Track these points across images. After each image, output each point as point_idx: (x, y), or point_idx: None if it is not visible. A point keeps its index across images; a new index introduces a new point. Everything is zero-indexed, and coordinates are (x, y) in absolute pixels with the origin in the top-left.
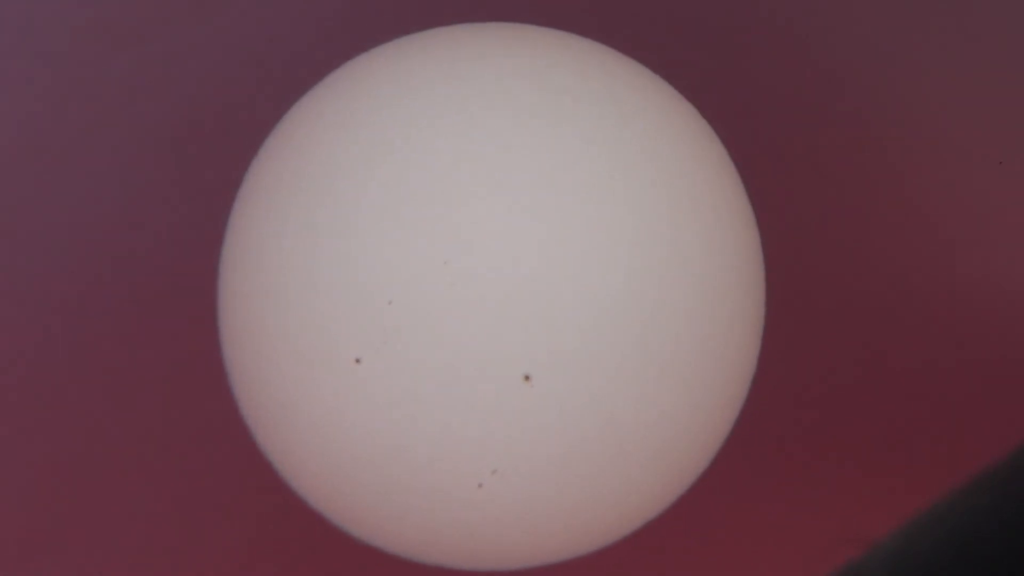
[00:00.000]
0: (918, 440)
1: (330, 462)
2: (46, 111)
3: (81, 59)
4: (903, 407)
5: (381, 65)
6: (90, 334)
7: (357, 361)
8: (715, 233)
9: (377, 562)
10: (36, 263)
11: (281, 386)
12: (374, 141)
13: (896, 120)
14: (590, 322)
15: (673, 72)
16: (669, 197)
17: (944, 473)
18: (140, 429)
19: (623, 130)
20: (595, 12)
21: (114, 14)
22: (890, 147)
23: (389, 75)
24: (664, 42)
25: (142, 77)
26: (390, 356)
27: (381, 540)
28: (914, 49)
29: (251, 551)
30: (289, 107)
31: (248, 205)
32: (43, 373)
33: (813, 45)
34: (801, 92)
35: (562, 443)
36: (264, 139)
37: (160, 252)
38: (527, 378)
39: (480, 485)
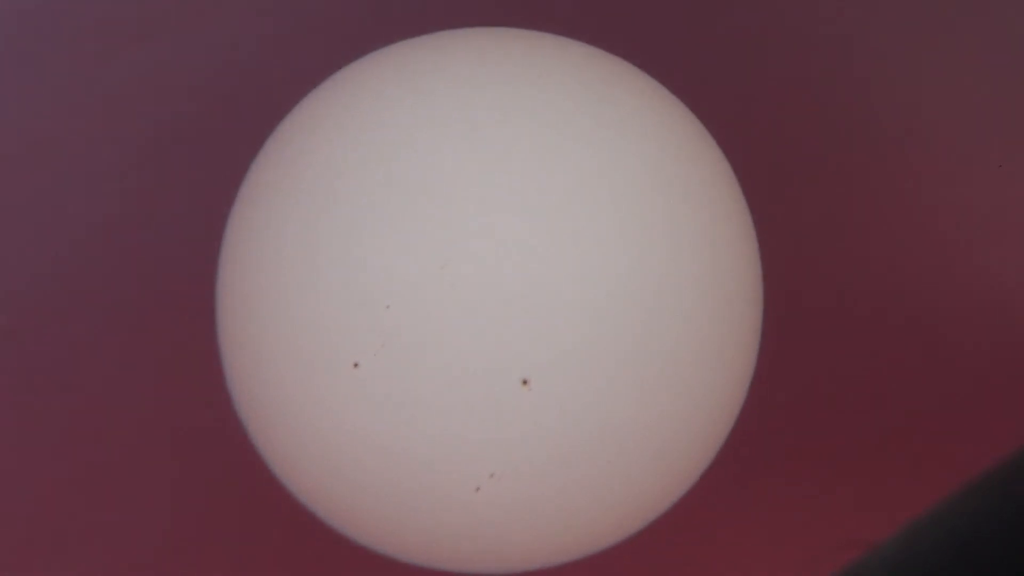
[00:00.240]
0: (918, 442)
1: (328, 465)
2: (46, 112)
3: (82, 60)
4: (903, 409)
5: (379, 70)
6: (89, 335)
7: (355, 365)
8: (712, 236)
9: (375, 565)
10: (35, 265)
11: (279, 390)
12: (371, 146)
13: (894, 121)
14: (588, 325)
15: (670, 76)
16: (666, 201)
17: (944, 475)
18: (138, 432)
19: (620, 135)
20: (592, 17)
21: (116, 15)
22: (888, 148)
23: (387, 80)
24: (661, 46)
25: (143, 78)
26: (388, 360)
27: (379, 543)
28: (913, 50)
29: (249, 554)
30: (288, 111)
31: (247, 208)
32: (41, 375)
33: (811, 47)
34: (798, 94)
35: (560, 446)
36: (263, 142)
37: (158, 254)
38: (525, 382)
39: (478, 488)
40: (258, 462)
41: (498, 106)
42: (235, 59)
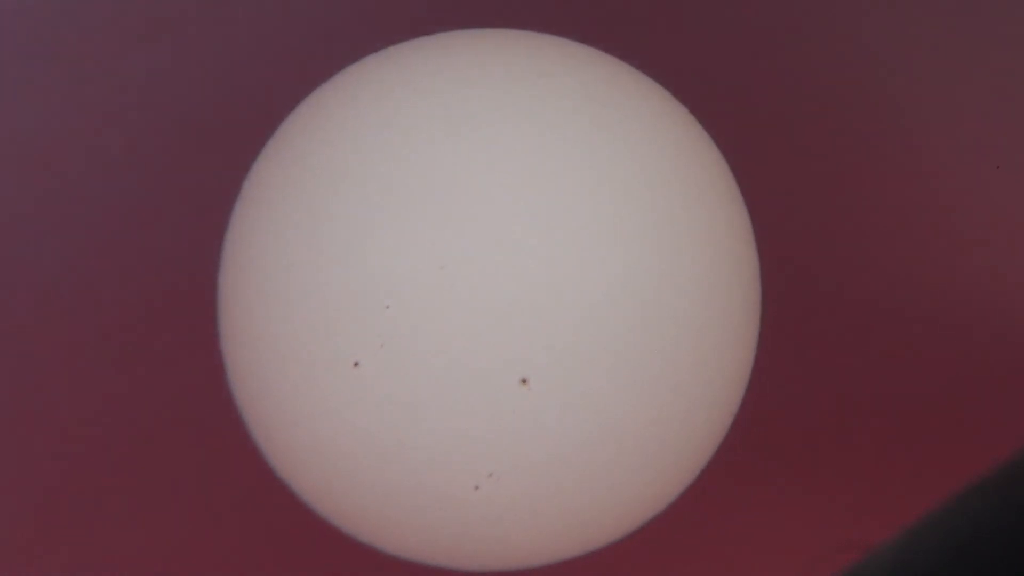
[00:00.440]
0: (917, 444)
1: (328, 464)
2: (49, 113)
3: (85, 62)
4: (902, 410)
5: (379, 71)
6: (90, 336)
7: (355, 365)
8: (711, 236)
9: (375, 563)
10: (36, 266)
11: (280, 389)
12: (372, 147)
13: (894, 122)
14: (586, 325)
15: (669, 77)
16: (665, 202)
17: (944, 478)
18: (139, 431)
19: (619, 136)
20: (593, 18)
21: (119, 16)
22: (888, 150)
23: (387, 81)
24: (660, 48)
25: (144, 79)
26: (388, 360)
27: (379, 541)
28: (913, 51)
29: (250, 552)
30: (288, 112)
31: (247, 209)
32: (42, 376)
33: (812, 49)
34: (798, 96)
35: (559, 445)
36: (264, 143)
37: (159, 255)
38: (524, 381)
39: (477, 487)
40: (259, 460)
41: (497, 107)
42: (237, 60)
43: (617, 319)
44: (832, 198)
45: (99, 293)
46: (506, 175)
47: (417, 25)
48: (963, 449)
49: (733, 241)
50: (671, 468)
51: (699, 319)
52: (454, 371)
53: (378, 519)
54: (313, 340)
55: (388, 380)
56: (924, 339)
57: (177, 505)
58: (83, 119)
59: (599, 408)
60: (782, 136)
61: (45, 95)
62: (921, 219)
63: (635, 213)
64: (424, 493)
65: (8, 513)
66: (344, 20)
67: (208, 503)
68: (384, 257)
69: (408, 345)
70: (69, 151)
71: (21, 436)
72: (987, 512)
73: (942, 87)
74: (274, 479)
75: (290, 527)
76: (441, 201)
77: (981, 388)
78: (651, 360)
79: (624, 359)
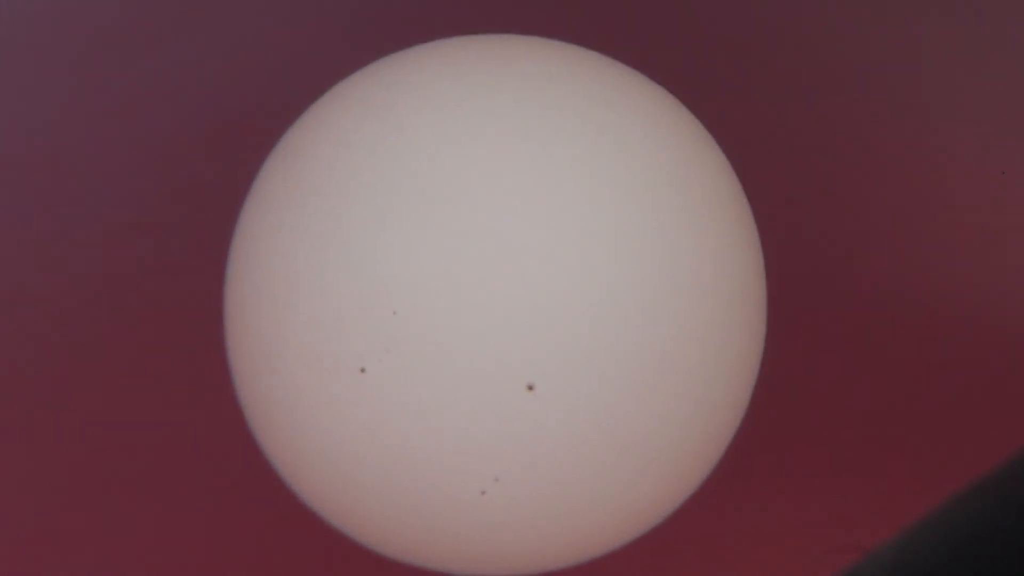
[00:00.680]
0: (916, 445)
1: (334, 469)
2: (56, 117)
3: (93, 66)
4: (902, 412)
5: (385, 77)
6: (96, 339)
7: (362, 371)
8: (716, 239)
9: (381, 568)
10: (43, 269)
11: (286, 394)
12: (378, 152)
13: (899, 123)
14: (593, 331)
15: (675, 82)
16: (671, 206)
17: (943, 479)
18: (145, 435)
19: (625, 141)
20: (599, 24)
21: (127, 19)
22: (893, 151)
23: (394, 86)
24: (666, 53)
25: (151, 83)
26: (394, 365)
27: (385, 546)
28: (917, 53)
29: (255, 556)
30: (295, 118)
31: (254, 214)
32: (49, 378)
33: (815, 52)
34: (803, 101)
35: (564, 451)
36: (271, 148)
37: (167, 261)
38: (530, 387)
39: (483, 492)
40: (265, 465)
41: (502, 113)
42: (244, 64)
43: (623, 324)
44: (836, 200)
45: (106, 298)
46: (511, 181)
47: (424, 31)
48: (963, 449)
49: (738, 245)
50: (677, 473)
51: (704, 323)
52: (460, 377)
53: (384, 524)
54: (319, 346)
55: (394, 386)
56: (924, 340)
57: (183, 509)
58: (90, 123)
59: (605, 413)
60: (786, 139)
61: (51, 99)
62: (924, 220)
63: (640, 218)
64: (430, 498)
65: (14, 514)
66: (351, 26)
67: (214, 508)
68: (390, 263)
69: (414, 351)
70: (77, 155)
71: (26, 438)
72: (987, 512)
73: (948, 90)
74: (280, 484)
75: (296, 532)
76: (447, 207)
77: (981, 388)
78: (657, 365)
79: (630, 364)
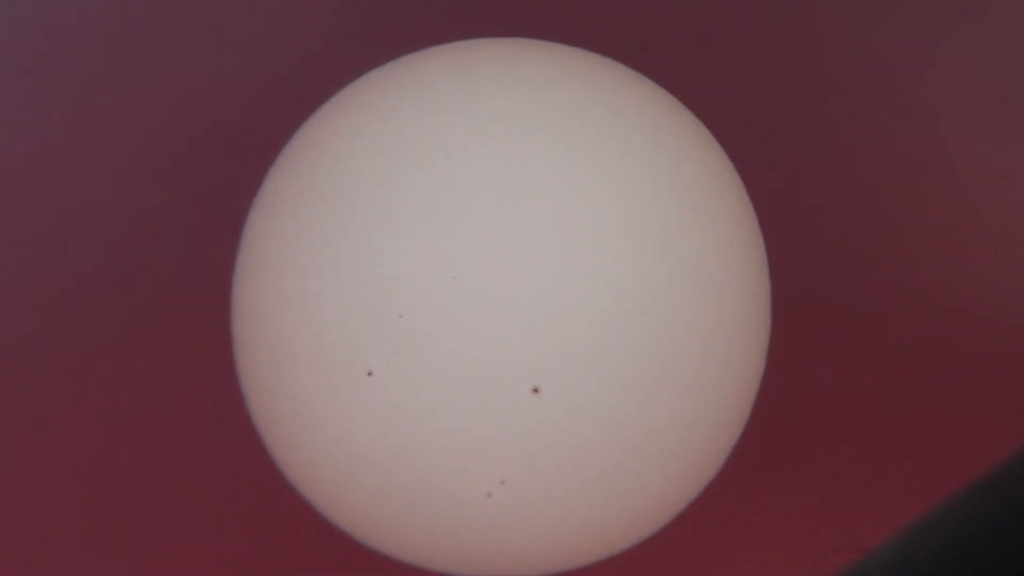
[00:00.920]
0: (917, 445)
1: (341, 471)
2: (64, 119)
3: (102, 69)
4: (903, 412)
5: (393, 81)
6: (105, 341)
7: (369, 373)
8: (719, 241)
9: (388, 570)
10: (51, 272)
11: (293, 397)
12: (385, 156)
13: (904, 125)
14: (598, 334)
15: (677, 83)
16: (676, 209)
17: (942, 479)
18: (153, 437)
19: (628, 143)
20: (603, 27)
21: (135, 23)
22: (897, 152)
23: (401, 90)
24: (669, 55)
25: (158, 87)
26: (401, 369)
27: (391, 548)
28: (921, 55)
29: (261, 557)
30: (302, 122)
31: (262, 218)
32: (55, 382)
33: (818, 55)
34: (806, 102)
35: (570, 453)
36: (278, 152)
37: (175, 263)
38: (535, 390)
39: (489, 495)
40: (272, 467)
41: (507, 116)
42: (250, 69)
43: (627, 327)
44: (840, 203)
45: (114, 300)
46: (517, 185)
47: (429, 35)
48: (963, 449)
49: (741, 246)
50: (682, 475)
51: (708, 325)
52: (466, 379)
53: (391, 526)
54: (327, 349)
55: (401, 389)
56: (924, 341)
57: (189, 511)
58: (98, 126)
59: (610, 415)
60: (788, 141)
61: (58, 101)
62: (926, 222)
63: (645, 221)
64: (436, 500)
65: (19, 514)
66: (358, 30)
67: (221, 509)
68: (397, 267)
69: (421, 354)
70: (84, 159)
71: (32, 441)
72: (986, 512)
73: (951, 92)
74: (287, 486)
75: (303, 533)
76: (453, 211)
77: (981, 388)
78: (661, 367)
79: (635, 367)
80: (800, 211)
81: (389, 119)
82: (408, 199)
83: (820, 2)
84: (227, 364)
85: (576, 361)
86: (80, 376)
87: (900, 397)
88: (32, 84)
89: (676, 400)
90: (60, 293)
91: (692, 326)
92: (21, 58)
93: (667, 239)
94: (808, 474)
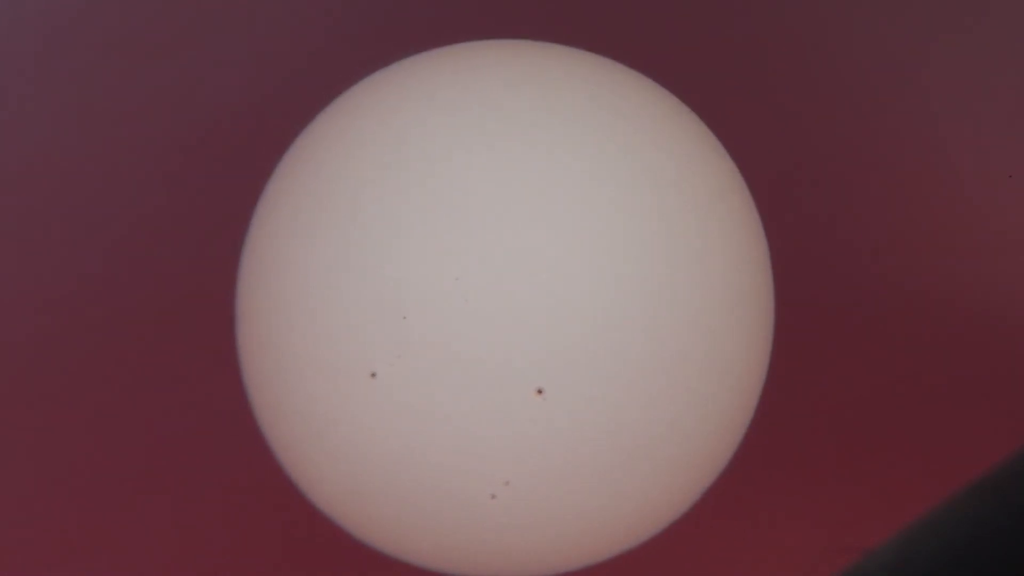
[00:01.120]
0: (915, 446)
1: (345, 473)
2: (70, 124)
3: (105, 71)
4: (903, 412)
5: (395, 83)
6: (109, 343)
7: (373, 375)
8: (723, 243)
9: (392, 571)
10: (55, 276)
11: (298, 399)
12: (388, 158)
13: (906, 125)
14: (601, 335)
15: (680, 86)
16: (678, 211)
17: (942, 480)
18: (157, 438)
19: (630, 145)
20: (604, 28)
21: (140, 26)
22: (900, 153)
23: (403, 93)
24: (671, 56)
25: (162, 90)
26: (405, 370)
27: (396, 549)
28: (923, 56)
29: (266, 559)
30: (305, 125)
31: (267, 220)
32: (60, 386)
33: (820, 57)
34: (808, 104)
35: (574, 454)
36: (282, 155)
37: (179, 266)
38: (539, 391)
39: (493, 496)
40: (276, 468)
41: (511, 117)
42: (254, 72)
43: (631, 328)
44: (841, 203)
45: (119, 302)
46: (519, 187)
47: (432, 37)
48: (963, 449)
49: (745, 248)
50: (685, 476)
51: (712, 327)
52: (470, 381)
53: (395, 527)
54: (331, 351)
55: (405, 390)
56: (925, 341)
57: (193, 512)
58: (102, 129)
59: (614, 417)
60: (791, 142)
61: (61, 103)
62: (928, 223)
63: (647, 222)
64: (441, 502)
65: (17, 516)
66: (361, 33)
67: (225, 510)
68: (401, 269)
69: (425, 356)
70: (89, 162)
71: (37, 443)
72: (987, 512)
73: (953, 93)
74: (292, 487)
75: (306, 534)
76: (456, 213)
77: (981, 388)
78: (665, 370)
79: (638, 368)
80: (801, 211)
81: (392, 121)
82: (411, 201)
83: (820, 2)
84: (231, 365)
85: (579, 362)
86: (83, 377)
87: (900, 397)
88: (36, 86)
89: (679, 401)
90: (66, 296)
91: (695, 327)
92: (25, 60)
93: (669, 240)
94: (808, 474)
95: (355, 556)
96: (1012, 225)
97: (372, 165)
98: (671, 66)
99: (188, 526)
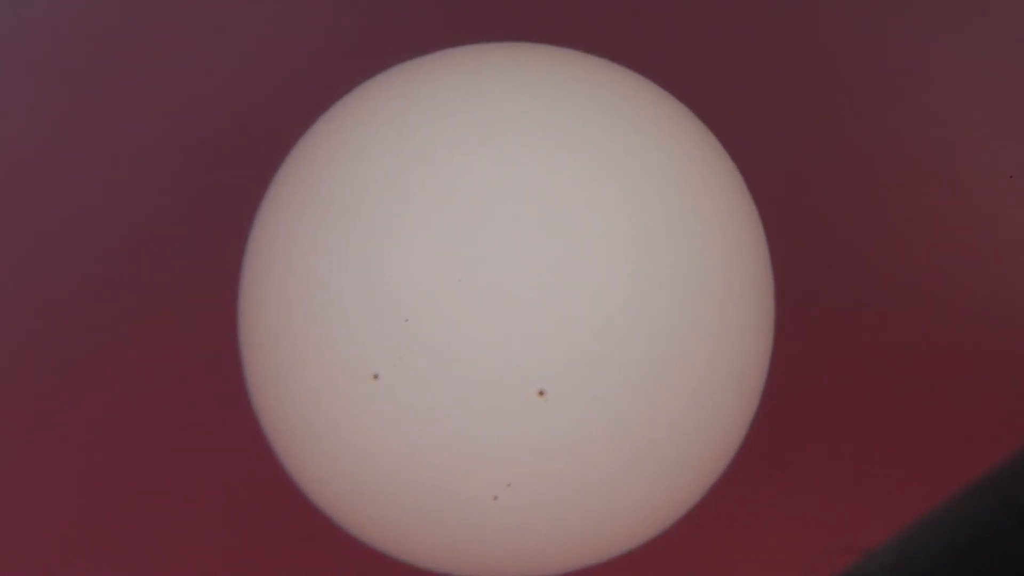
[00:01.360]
0: (917, 445)
1: (347, 475)
2: (71, 126)
3: (107, 73)
4: (903, 413)
5: (397, 86)
6: (110, 344)
7: (375, 377)
8: (724, 244)
9: (394, 573)
10: (57, 278)
11: (300, 401)
12: (390, 161)
13: (907, 126)
14: (602, 337)
15: (681, 88)
16: (680, 213)
17: (944, 478)
18: (159, 439)
19: (632, 146)
20: (606, 31)
21: (142, 27)
22: (898, 153)
23: (405, 95)
24: (672, 58)
25: (163, 92)
26: (407, 372)
27: (398, 551)
28: (924, 56)
29: (266, 558)
30: (307, 127)
31: (268, 222)
32: (63, 388)
33: (822, 58)
34: (807, 101)
35: (577, 455)
36: (284, 156)
37: (181, 268)
38: (541, 393)
39: (495, 498)
40: (278, 470)
41: (512, 120)
42: (256, 74)
43: (633, 329)
44: (842, 203)
45: (121, 304)
46: (521, 188)
47: (433, 40)
48: (963, 449)
49: (746, 250)
50: (687, 477)
51: (714, 328)
52: (472, 383)
53: (397, 529)
54: (333, 352)
55: (407, 392)
56: (924, 342)
57: (195, 512)
58: (104, 131)
59: (616, 418)
60: (791, 143)
61: (62, 104)
62: (929, 224)
63: (649, 223)
64: (443, 503)
65: (17, 516)
66: (362, 35)
67: (227, 511)
68: (403, 271)
69: (427, 357)
70: (91, 164)
71: (40, 445)
72: (987, 512)
73: (954, 93)
74: (294, 489)
75: (309, 536)
76: (458, 215)
77: (981, 388)
78: (666, 371)
79: (640, 369)
80: (802, 212)
81: (393, 124)
82: (413, 203)
83: (820, 2)
84: (234, 366)
85: (581, 363)
86: (85, 377)
87: (900, 397)
88: (37, 87)
89: (681, 402)
90: (67, 296)
91: (695, 327)
92: (26, 62)
93: (670, 241)
94: (808, 474)
95: (357, 557)
96: (1012, 225)
97: (374, 167)
98: (671, 67)
99: (189, 526)
